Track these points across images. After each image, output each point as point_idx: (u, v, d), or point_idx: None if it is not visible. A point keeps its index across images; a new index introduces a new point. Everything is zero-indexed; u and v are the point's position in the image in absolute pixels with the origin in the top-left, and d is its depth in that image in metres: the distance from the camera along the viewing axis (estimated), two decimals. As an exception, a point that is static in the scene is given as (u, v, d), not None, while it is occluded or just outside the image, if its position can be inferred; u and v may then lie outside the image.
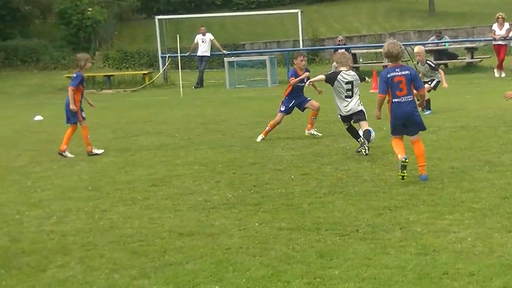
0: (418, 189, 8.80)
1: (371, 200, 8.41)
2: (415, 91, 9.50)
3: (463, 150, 11.21)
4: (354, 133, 11.80)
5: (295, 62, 13.57)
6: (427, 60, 16.47)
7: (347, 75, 11.67)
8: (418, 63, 16.54)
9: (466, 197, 8.26)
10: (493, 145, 11.41)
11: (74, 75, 13.02)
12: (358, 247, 6.65)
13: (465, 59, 29.32)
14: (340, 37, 31.81)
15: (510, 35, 26.09)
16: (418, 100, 10.17)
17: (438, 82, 16.20)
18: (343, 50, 12.57)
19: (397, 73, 9.27)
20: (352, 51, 30.01)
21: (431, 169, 9.86)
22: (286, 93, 13.62)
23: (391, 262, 6.19)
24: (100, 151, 12.82)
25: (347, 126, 11.95)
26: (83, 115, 12.96)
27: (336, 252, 6.54)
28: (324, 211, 8.03)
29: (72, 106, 12.77)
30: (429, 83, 15.95)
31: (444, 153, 11.03)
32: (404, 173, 9.05)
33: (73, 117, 12.87)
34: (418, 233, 6.99)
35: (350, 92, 11.64)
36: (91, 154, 12.76)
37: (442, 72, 16.67)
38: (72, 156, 12.73)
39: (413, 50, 16.46)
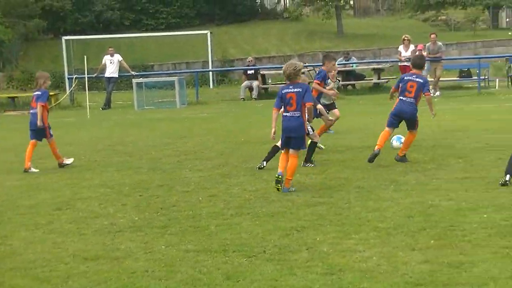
0: (325, 209, 8.85)
1: (279, 221, 8.40)
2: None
3: (369, 169, 11.38)
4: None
5: (327, 65, 13.18)
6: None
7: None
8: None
9: (372, 217, 8.35)
10: (398, 164, 11.63)
11: (39, 92, 13.01)
12: (265, 268, 6.61)
13: (372, 80, 29.95)
14: (250, 58, 32.02)
15: (414, 57, 26.76)
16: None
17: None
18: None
19: (289, 90, 10.14)
20: (261, 72, 30.25)
21: (338, 189, 9.99)
22: (316, 95, 12.98)
23: (297, 282, 6.18)
24: (69, 160, 13.18)
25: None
26: (51, 132, 13.15)
27: (243, 274, 6.49)
28: (231, 232, 7.98)
29: (39, 123, 12.90)
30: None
31: (350, 173, 11.16)
32: (278, 186, 9.94)
33: (39, 134, 13.11)
34: (324, 253, 7.01)
35: None
36: (62, 165, 13.10)
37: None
38: (37, 170, 12.93)
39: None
